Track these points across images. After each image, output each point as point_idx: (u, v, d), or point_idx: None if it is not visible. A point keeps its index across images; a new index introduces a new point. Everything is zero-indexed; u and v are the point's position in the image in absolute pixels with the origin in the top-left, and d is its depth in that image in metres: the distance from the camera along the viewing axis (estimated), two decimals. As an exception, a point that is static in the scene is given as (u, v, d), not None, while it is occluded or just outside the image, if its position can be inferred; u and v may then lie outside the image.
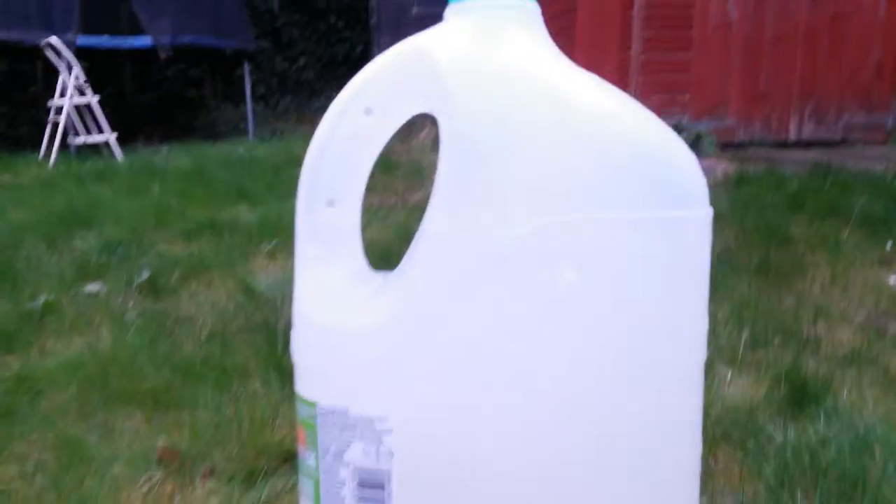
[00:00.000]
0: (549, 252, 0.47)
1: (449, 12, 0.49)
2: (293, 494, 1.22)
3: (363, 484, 0.52)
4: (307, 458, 0.56)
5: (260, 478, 1.27)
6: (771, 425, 1.39)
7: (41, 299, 2.16)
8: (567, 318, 0.47)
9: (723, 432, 1.37)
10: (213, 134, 7.25)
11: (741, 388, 1.58)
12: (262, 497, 1.20)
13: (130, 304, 2.22)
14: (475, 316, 0.48)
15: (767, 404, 1.49)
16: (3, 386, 1.68)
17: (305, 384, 0.56)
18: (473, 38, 0.48)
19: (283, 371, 1.66)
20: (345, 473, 0.53)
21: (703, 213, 0.49)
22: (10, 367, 1.80)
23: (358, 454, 0.52)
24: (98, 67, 6.89)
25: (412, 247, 0.49)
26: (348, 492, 0.54)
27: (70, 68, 5.51)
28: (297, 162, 2.47)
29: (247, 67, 7.20)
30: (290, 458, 1.34)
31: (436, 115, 0.50)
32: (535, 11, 0.48)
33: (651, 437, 0.49)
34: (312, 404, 0.54)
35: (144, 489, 1.27)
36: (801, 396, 1.49)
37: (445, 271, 0.48)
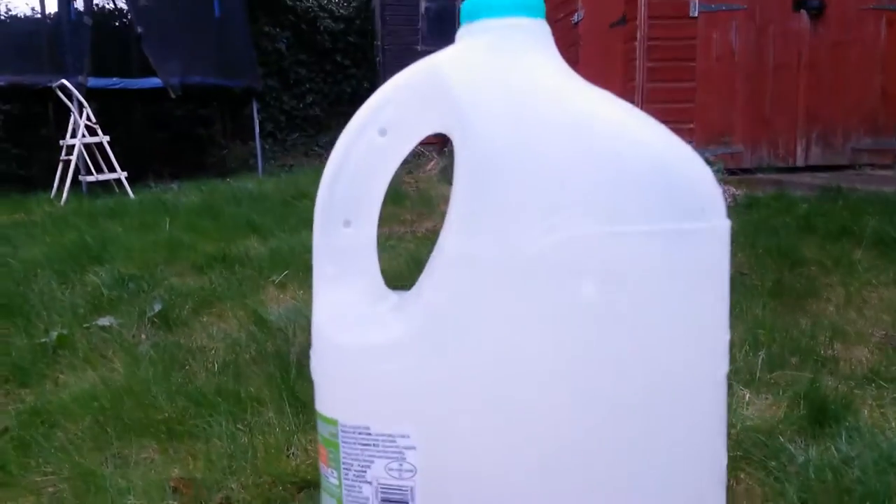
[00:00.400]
0: (567, 266, 0.47)
1: (461, 32, 0.49)
2: (310, 522, 1.20)
3: (387, 500, 0.52)
4: (330, 477, 0.55)
5: (276, 506, 1.26)
6: (792, 445, 1.37)
7: (55, 333, 2.17)
8: (588, 331, 0.47)
9: (743, 453, 1.35)
10: (223, 171, 7.33)
11: (760, 409, 1.56)
12: (279, 525, 1.19)
13: (143, 336, 2.23)
14: (494, 332, 0.48)
15: (787, 424, 1.47)
16: (18, 418, 1.68)
17: (326, 403, 0.56)
18: (486, 57, 0.49)
19: (296, 399, 1.66)
20: (368, 491, 0.52)
21: (720, 224, 0.49)
22: (24, 399, 1.80)
23: (381, 471, 0.52)
24: (108, 108, 7.01)
25: (429, 265, 0.49)
26: None
27: (81, 109, 5.60)
28: (305, 196, 2.53)
29: (255, 106, 7.30)
30: (305, 487, 1.33)
31: (450, 133, 0.51)
32: (546, 31, 0.49)
33: (677, 449, 0.49)
34: (334, 422, 0.54)
35: (160, 519, 1.25)
36: (821, 416, 1.47)
37: (463, 288, 0.48)
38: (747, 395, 1.61)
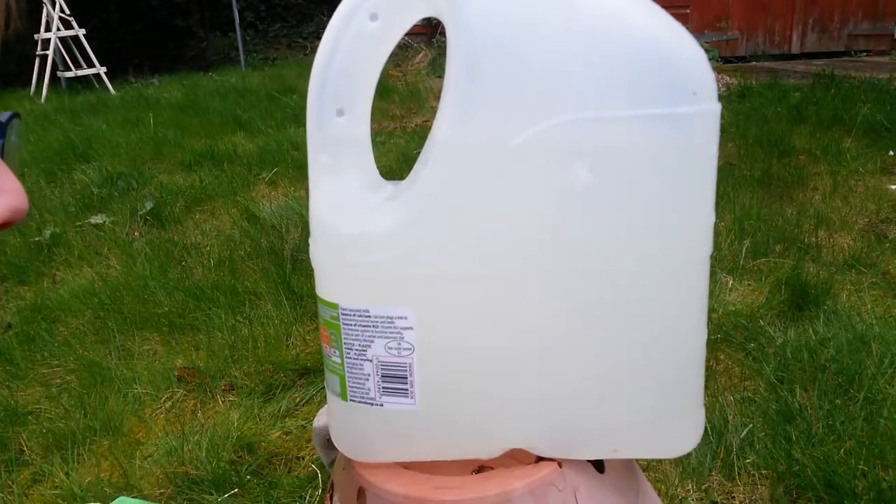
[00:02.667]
0: (558, 152, 0.48)
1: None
2: (311, 405, 1.26)
3: (387, 376, 0.55)
4: (332, 356, 0.58)
5: (278, 392, 1.32)
6: (771, 328, 1.43)
7: (48, 232, 2.18)
8: (577, 214, 0.48)
9: (724, 336, 1.41)
10: (203, 64, 7.10)
11: (742, 294, 1.62)
12: (282, 409, 1.25)
13: (136, 233, 2.24)
14: (485, 217, 0.49)
15: (768, 309, 1.52)
16: (20, 315, 1.72)
17: (326, 288, 0.57)
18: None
19: (292, 293, 1.69)
20: (369, 368, 0.55)
21: (711, 108, 0.49)
22: (24, 297, 1.84)
23: (381, 349, 0.54)
24: (81, -2, 6.68)
25: (422, 154, 0.50)
26: (373, 384, 0.56)
27: (53, 1, 5.34)
28: (291, 90, 2.48)
29: (234, -7, 6.97)
30: (305, 374, 1.38)
31: (441, 17, 0.50)
32: None
33: (662, 323, 0.51)
34: (335, 306, 0.56)
35: (167, 405, 1.31)
36: (801, 300, 1.53)
37: (454, 176, 0.49)
38: (730, 282, 1.66)
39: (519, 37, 0.45)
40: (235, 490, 1.01)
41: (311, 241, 0.56)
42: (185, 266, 1.96)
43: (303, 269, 1.84)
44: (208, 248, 2.09)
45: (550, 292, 0.48)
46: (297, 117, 3.76)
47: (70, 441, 1.20)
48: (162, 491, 1.05)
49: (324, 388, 1.27)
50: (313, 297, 1.52)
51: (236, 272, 1.89)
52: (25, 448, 1.21)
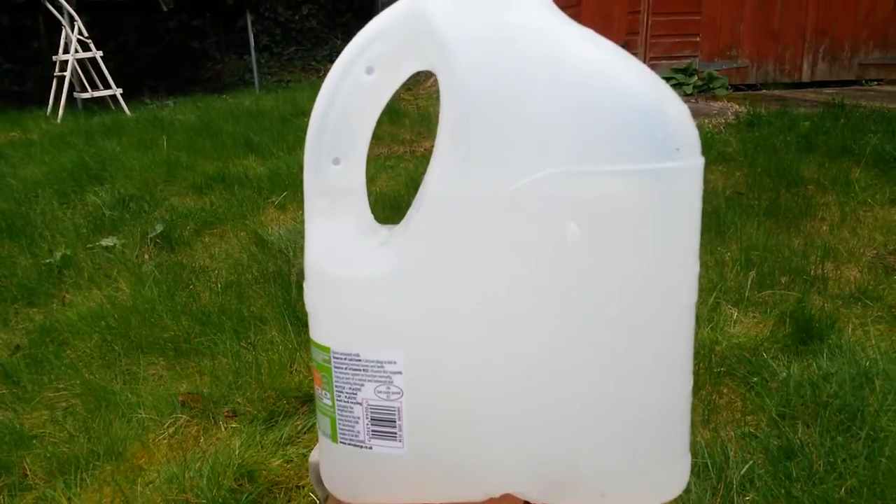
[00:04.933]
0: (544, 203, 0.49)
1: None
2: (313, 433, 1.27)
3: (376, 419, 0.56)
4: (323, 398, 0.59)
5: (280, 419, 1.32)
6: (775, 362, 1.43)
7: (59, 254, 2.21)
8: (564, 263, 0.50)
9: (727, 369, 1.41)
10: (218, 86, 7.20)
11: (747, 326, 1.61)
12: (284, 436, 1.26)
13: (146, 256, 2.27)
14: (473, 265, 0.51)
15: (772, 342, 1.52)
16: (28, 337, 1.74)
17: (318, 331, 0.59)
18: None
19: (297, 319, 1.71)
20: (359, 411, 0.56)
21: (694, 163, 0.51)
22: (33, 318, 1.86)
23: (370, 393, 0.55)
24: (100, 22, 6.82)
25: (415, 202, 0.51)
26: (362, 427, 0.57)
27: (72, 22, 5.45)
28: (303, 113, 2.51)
29: (249, 17, 7.10)
30: (308, 401, 1.39)
31: (436, 71, 0.52)
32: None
33: (646, 368, 0.52)
34: (326, 349, 0.57)
35: (170, 431, 1.32)
36: (805, 334, 1.52)
37: (445, 225, 0.51)
38: (735, 314, 1.66)
39: (508, 92, 0.46)
40: (234, 520, 1.02)
41: (305, 284, 0.58)
42: (192, 290, 1.98)
43: (309, 294, 1.85)
44: (216, 271, 2.11)
45: (537, 339, 0.49)
46: (309, 140, 3.80)
47: (74, 466, 1.21)
48: (161, 519, 1.05)
49: (325, 417, 1.28)
50: None
51: (243, 297, 1.90)
52: (29, 472, 1.22)
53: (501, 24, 0.48)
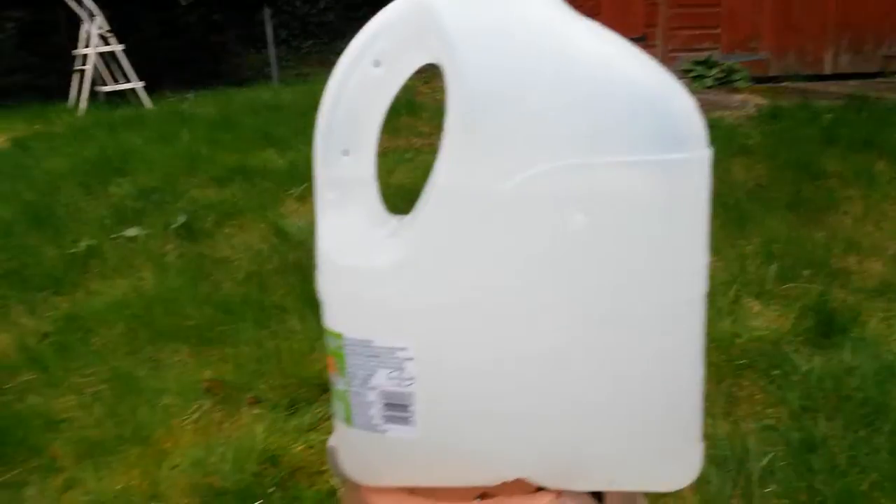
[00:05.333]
0: (551, 195, 0.50)
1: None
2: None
3: (389, 404, 0.56)
4: (338, 384, 0.60)
5: (302, 405, 1.34)
6: (796, 355, 1.42)
7: (84, 244, 2.24)
8: (571, 254, 0.50)
9: (748, 362, 1.41)
10: (238, 79, 7.25)
11: (768, 319, 1.60)
12: (305, 423, 1.27)
13: (169, 247, 2.29)
14: (481, 256, 0.52)
15: (794, 335, 1.51)
16: (55, 325, 1.77)
17: (331, 318, 0.60)
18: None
19: (317, 308, 1.72)
20: (372, 396, 0.57)
21: (701, 155, 0.51)
22: (59, 307, 1.89)
23: (383, 379, 0.56)
24: (120, 16, 6.88)
25: (423, 194, 0.52)
26: (376, 411, 0.58)
27: (92, 17, 5.51)
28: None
29: (267, 11, 7.13)
30: (328, 389, 1.40)
31: (441, 65, 0.52)
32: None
33: (655, 358, 0.52)
34: (339, 336, 0.58)
35: (195, 416, 1.35)
36: (827, 327, 1.51)
37: (452, 217, 0.51)
38: (756, 307, 1.65)
39: (514, 84, 0.47)
40: (260, 501, 1.03)
41: (317, 273, 0.59)
42: (214, 280, 2.00)
43: (329, 284, 1.87)
44: (237, 262, 2.14)
45: (547, 328, 0.50)
46: (327, 133, 3.83)
47: (101, 449, 1.24)
48: (188, 501, 1.07)
49: (347, 404, 1.29)
50: None
51: (263, 286, 1.92)
52: (59, 455, 1.25)
53: (507, 18, 0.48)
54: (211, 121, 4.34)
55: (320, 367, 1.47)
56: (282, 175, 3.07)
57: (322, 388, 1.40)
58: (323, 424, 1.28)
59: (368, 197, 0.53)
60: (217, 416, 1.34)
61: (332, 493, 1.06)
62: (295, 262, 2.08)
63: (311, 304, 1.75)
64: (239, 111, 4.74)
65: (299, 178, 2.97)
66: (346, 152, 0.53)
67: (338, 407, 0.59)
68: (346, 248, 0.54)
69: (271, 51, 7.03)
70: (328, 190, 0.54)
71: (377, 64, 0.51)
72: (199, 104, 5.35)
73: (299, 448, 1.19)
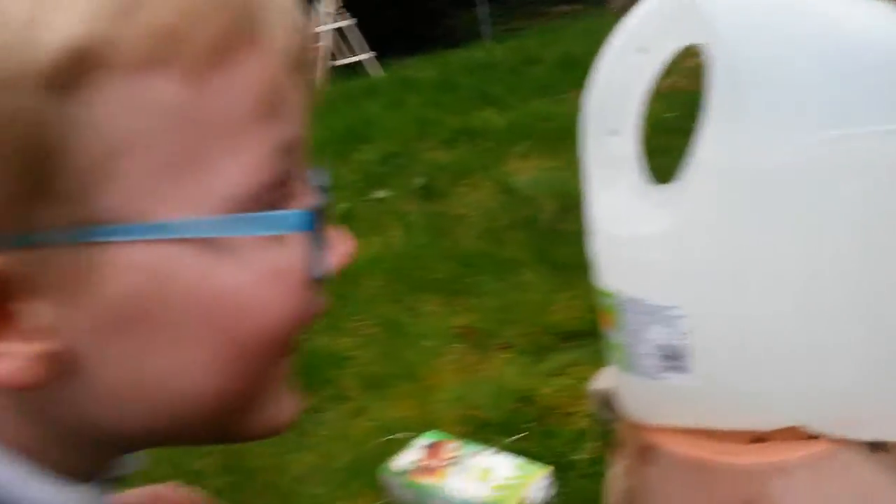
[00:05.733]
0: (822, 167, 0.52)
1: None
2: (578, 367, 1.39)
3: (665, 356, 0.63)
4: (613, 336, 0.68)
5: (547, 352, 1.47)
6: None
7: (342, 205, 2.56)
8: (847, 232, 0.52)
9: None
10: (452, 40, 7.51)
11: None
12: (552, 368, 1.40)
13: (411, 207, 2.54)
14: (749, 228, 0.54)
15: None
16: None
17: (604, 279, 0.68)
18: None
19: (551, 262, 1.84)
20: (648, 348, 0.64)
21: None
22: (329, 262, 2.20)
23: (657, 334, 0.62)
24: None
25: (685, 168, 0.58)
26: (652, 361, 0.65)
27: (325, -5, 6.05)
28: (534, 61, 2.57)
29: (478, -31, 7.26)
30: (569, 338, 1.52)
31: (701, 45, 0.56)
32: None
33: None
34: (612, 294, 0.65)
35: (452, 358, 1.53)
36: None
37: (719, 190, 0.54)
38: None
39: (779, 57, 0.51)
40: (524, 433, 1.18)
41: (590, 239, 0.68)
42: (453, 236, 2.20)
43: (560, 239, 1.97)
44: (472, 219, 2.32)
45: (822, 289, 0.53)
46: (542, 89, 3.89)
47: (380, 382, 1.47)
48: (458, 429, 1.25)
49: (590, 351, 1.39)
50: (572, 266, 1.66)
51: (498, 241, 2.08)
52: (347, 387, 1.50)
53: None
54: (432, 84, 4.60)
55: (560, 317, 1.59)
56: (502, 134, 3.21)
57: (563, 337, 1.52)
58: (568, 370, 1.40)
59: (634, 171, 0.61)
60: (471, 359, 1.52)
61: (583, 432, 1.17)
62: (525, 217, 2.21)
63: (543, 258, 1.86)
64: (456, 72, 4.95)
65: (519, 136, 3.08)
66: (613, 132, 0.61)
67: (614, 356, 0.68)
68: (616, 218, 0.62)
69: (482, 8, 7.17)
70: (597, 167, 0.62)
71: (643, 50, 0.58)
72: (420, 69, 5.66)
73: (549, 391, 1.32)
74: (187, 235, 0.27)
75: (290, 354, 0.31)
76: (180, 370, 0.29)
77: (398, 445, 1.20)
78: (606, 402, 0.79)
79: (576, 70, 3.95)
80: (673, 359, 0.62)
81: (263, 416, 0.32)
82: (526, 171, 2.70)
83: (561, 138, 2.81)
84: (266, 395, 0.32)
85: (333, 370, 1.56)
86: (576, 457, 1.13)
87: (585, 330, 1.50)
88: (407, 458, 1.09)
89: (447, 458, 1.06)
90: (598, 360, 1.32)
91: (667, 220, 0.59)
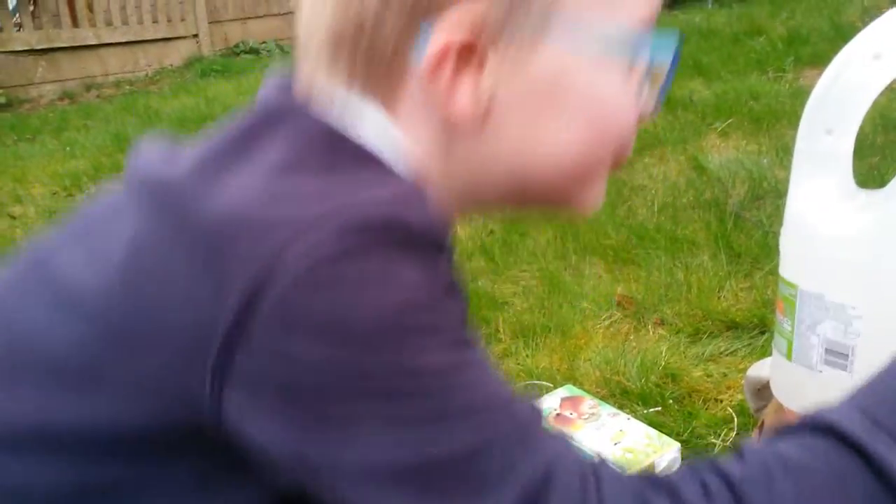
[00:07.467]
0: None
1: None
2: (734, 357, 1.36)
3: (830, 351, 0.64)
4: (783, 324, 0.69)
5: (704, 337, 1.44)
6: None
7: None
8: None
9: None
10: (671, 2, 7.14)
11: None
12: (706, 352, 1.37)
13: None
14: None
15: None
16: (500, 224, 2.15)
17: (789, 269, 0.68)
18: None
19: (730, 249, 1.76)
20: (815, 341, 0.65)
21: None
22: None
23: (829, 329, 0.63)
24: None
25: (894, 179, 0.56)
26: (816, 354, 0.66)
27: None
28: (758, 31, 2.44)
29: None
30: (732, 328, 1.47)
31: None
32: None
33: None
34: (794, 286, 0.66)
35: (606, 323, 1.55)
36: None
37: None
38: None
39: None
40: (659, 408, 1.19)
41: (783, 229, 0.68)
42: (631, 206, 2.17)
43: (744, 227, 1.88)
44: (653, 192, 2.26)
45: None
46: (761, 63, 3.61)
47: (531, 332, 1.53)
48: (598, 390, 1.28)
49: (750, 345, 1.35)
50: (752, 255, 1.63)
51: (677, 218, 2.02)
52: (500, 329, 1.58)
53: None
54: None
55: (726, 305, 1.54)
56: (706, 107, 3.05)
57: (726, 326, 1.48)
58: (722, 359, 1.37)
59: (843, 173, 0.60)
60: (625, 328, 1.53)
61: (728, 420, 1.16)
62: (710, 199, 2.12)
63: (721, 243, 1.79)
64: (672, 38, 4.72)
65: (725, 112, 2.91)
66: (829, 132, 0.61)
67: (780, 343, 0.69)
68: (814, 214, 0.62)
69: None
70: (805, 162, 0.62)
71: (877, 56, 0.57)
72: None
73: (698, 373, 1.31)
74: (612, 45, 0.41)
75: (616, 162, 0.47)
76: (553, 142, 0.42)
77: (539, 391, 1.26)
78: (759, 389, 0.81)
79: (801, 47, 3.63)
80: (837, 355, 0.63)
81: (590, 193, 0.47)
82: (722, 151, 2.57)
83: (767, 120, 2.63)
84: (595, 179, 0.46)
85: (491, 311, 1.64)
86: (714, 440, 1.12)
87: (750, 323, 1.45)
88: (546, 403, 1.15)
89: (584, 412, 1.10)
90: (755, 356, 1.29)
91: (866, 223, 0.58)
